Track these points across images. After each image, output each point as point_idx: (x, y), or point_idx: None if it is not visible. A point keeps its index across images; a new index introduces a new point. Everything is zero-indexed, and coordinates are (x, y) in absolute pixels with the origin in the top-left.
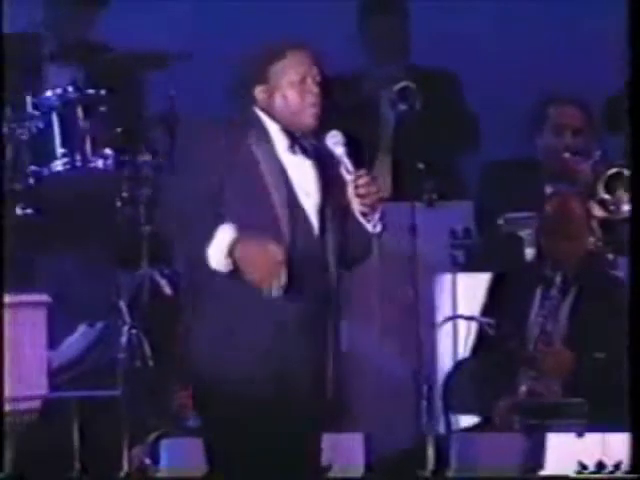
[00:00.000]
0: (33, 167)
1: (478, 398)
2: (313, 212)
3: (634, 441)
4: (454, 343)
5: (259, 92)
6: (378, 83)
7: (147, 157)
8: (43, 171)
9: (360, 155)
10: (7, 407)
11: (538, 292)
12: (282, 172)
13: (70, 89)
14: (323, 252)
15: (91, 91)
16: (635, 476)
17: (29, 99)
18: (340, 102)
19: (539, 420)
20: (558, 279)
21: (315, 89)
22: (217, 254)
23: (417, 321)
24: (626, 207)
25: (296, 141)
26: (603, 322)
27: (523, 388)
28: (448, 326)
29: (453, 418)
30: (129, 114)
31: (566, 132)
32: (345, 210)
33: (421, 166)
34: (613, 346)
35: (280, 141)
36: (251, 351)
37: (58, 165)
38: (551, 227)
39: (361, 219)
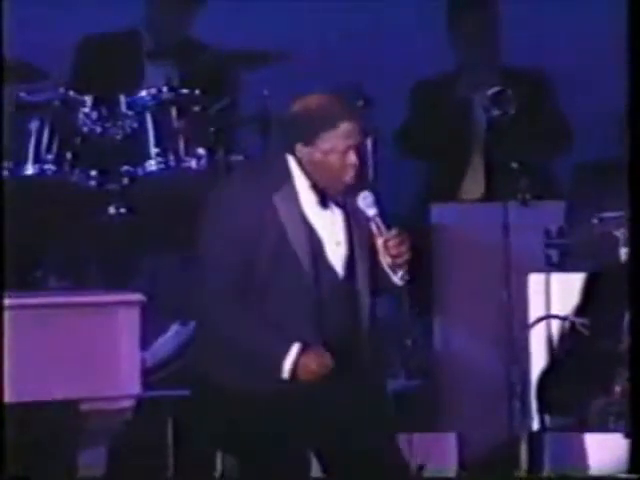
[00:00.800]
0: (127, 167)
1: (572, 398)
2: (343, 261)
3: (634, 441)
4: (548, 343)
5: (300, 149)
6: (471, 85)
7: (239, 157)
8: (137, 171)
9: None
10: (102, 406)
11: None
12: (307, 227)
13: (164, 89)
14: (352, 298)
15: (185, 91)
16: (635, 476)
17: (123, 99)
18: (432, 104)
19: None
20: None
21: (356, 161)
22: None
23: (510, 321)
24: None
25: (327, 196)
26: None
27: (618, 388)
28: (541, 326)
29: (547, 418)
30: (222, 114)
31: None
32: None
33: (515, 165)
34: None
35: (309, 195)
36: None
37: (152, 165)
38: None
39: (388, 271)
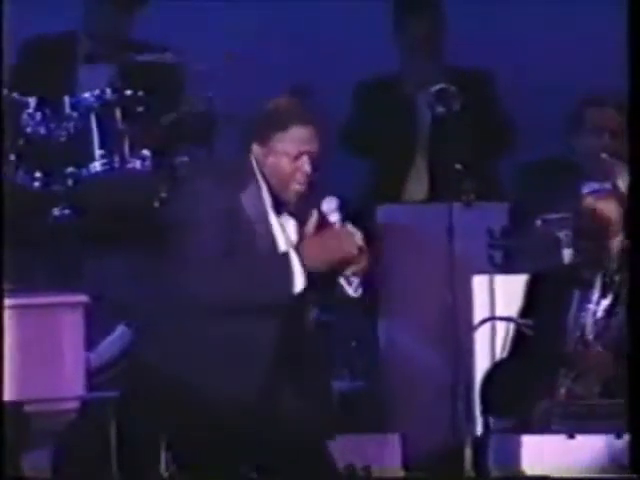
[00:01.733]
0: (71, 168)
1: (516, 399)
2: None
3: (634, 441)
4: (492, 344)
5: (256, 149)
6: (414, 84)
7: (184, 158)
8: (81, 172)
9: None
10: (47, 407)
11: (576, 293)
12: (267, 226)
13: (108, 90)
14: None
15: (129, 92)
16: (635, 476)
17: (67, 100)
18: (377, 103)
19: (578, 422)
20: (599, 280)
21: (308, 169)
22: (299, 277)
23: (454, 322)
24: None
25: (280, 202)
26: None
27: (562, 390)
28: (486, 327)
29: (491, 419)
30: (167, 115)
31: (604, 133)
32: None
33: (459, 167)
34: None
35: (267, 199)
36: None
37: (96, 166)
38: (588, 227)
39: (342, 282)
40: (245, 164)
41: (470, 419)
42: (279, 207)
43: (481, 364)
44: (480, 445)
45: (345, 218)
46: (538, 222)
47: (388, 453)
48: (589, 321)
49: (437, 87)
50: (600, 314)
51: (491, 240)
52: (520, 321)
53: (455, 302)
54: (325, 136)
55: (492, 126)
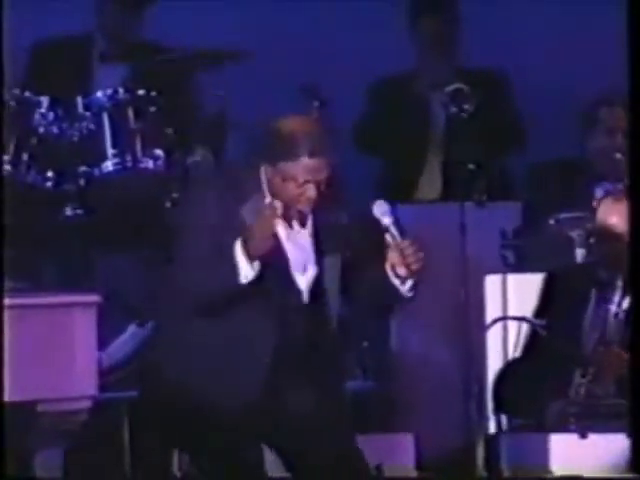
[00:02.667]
0: (84, 168)
1: (529, 399)
2: (309, 283)
3: (634, 441)
4: (504, 344)
5: (265, 171)
6: (429, 83)
7: (197, 158)
8: (94, 172)
9: None
10: (59, 407)
11: (593, 294)
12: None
13: (121, 90)
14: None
15: (142, 92)
16: (635, 476)
17: (80, 100)
18: (391, 102)
19: (594, 422)
20: (619, 282)
21: (313, 195)
22: (243, 265)
23: (467, 321)
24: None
25: (289, 216)
26: None
27: (580, 389)
28: (498, 327)
29: (503, 419)
30: (180, 115)
31: (618, 133)
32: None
33: (472, 166)
34: None
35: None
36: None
37: (109, 166)
38: (605, 227)
39: (396, 283)
40: (253, 176)
41: (482, 419)
42: (290, 222)
43: (494, 363)
44: (492, 445)
45: (395, 222)
46: (551, 222)
47: (401, 453)
48: (610, 322)
49: (452, 87)
50: (621, 315)
51: (503, 240)
52: (534, 321)
53: (467, 301)
54: (335, 160)
55: (505, 126)
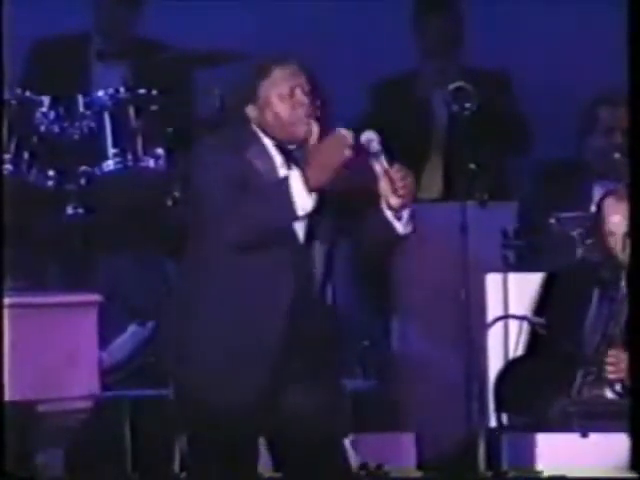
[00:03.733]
0: (84, 167)
1: (530, 398)
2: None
3: (634, 441)
4: (505, 343)
5: (251, 110)
6: (432, 83)
7: None
8: (95, 171)
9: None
10: (60, 407)
11: (595, 293)
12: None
13: (122, 89)
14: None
15: (142, 91)
16: (635, 476)
17: (81, 99)
18: (393, 101)
19: (597, 421)
20: (622, 281)
21: (305, 100)
22: (302, 196)
23: (468, 321)
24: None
25: (290, 156)
26: None
27: (583, 388)
28: (499, 326)
29: (505, 418)
30: (181, 114)
31: (616, 133)
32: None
33: (473, 166)
34: None
35: (276, 156)
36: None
37: (110, 165)
38: (607, 227)
39: (391, 218)
40: (245, 131)
41: (484, 418)
42: (289, 162)
43: (495, 362)
44: (494, 444)
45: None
46: (552, 221)
47: (403, 452)
48: (612, 321)
49: (454, 85)
50: (623, 314)
51: (504, 239)
52: (534, 319)
53: (468, 300)
54: (309, 71)
55: (507, 126)
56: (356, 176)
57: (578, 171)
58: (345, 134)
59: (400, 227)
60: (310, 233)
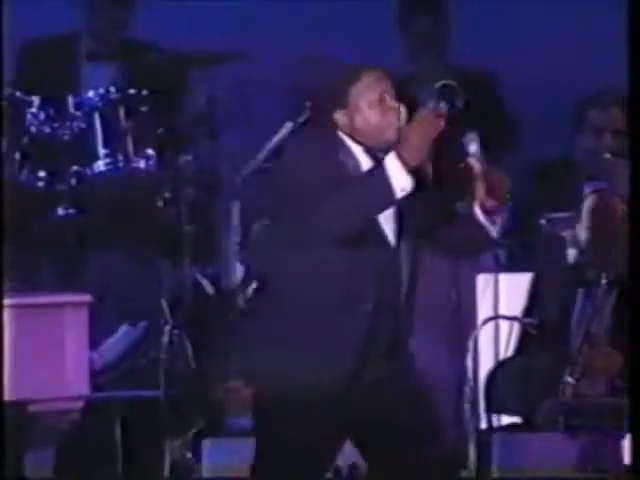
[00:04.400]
0: (75, 167)
1: (521, 398)
2: (394, 233)
3: (634, 441)
4: (496, 343)
5: (340, 116)
6: (418, 82)
7: (189, 157)
8: (86, 171)
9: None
10: (51, 407)
11: (581, 292)
12: None
13: (112, 89)
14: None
15: (133, 91)
16: (635, 476)
17: (71, 99)
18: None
19: (584, 421)
20: (604, 280)
21: (395, 105)
22: (400, 176)
23: (459, 321)
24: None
25: (379, 162)
26: None
27: (568, 388)
28: (490, 326)
29: (496, 418)
30: (171, 114)
31: (606, 133)
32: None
33: (461, 166)
34: None
35: (365, 162)
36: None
37: (100, 165)
38: (594, 227)
39: (485, 222)
40: (334, 137)
41: (475, 418)
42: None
43: (486, 363)
44: (484, 443)
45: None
46: (542, 221)
47: None
48: (596, 320)
49: (440, 83)
50: (607, 313)
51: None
52: (525, 320)
53: (460, 301)
54: (392, 77)
55: (495, 125)
56: (451, 177)
57: (569, 171)
58: (438, 107)
59: (494, 231)
60: (399, 234)
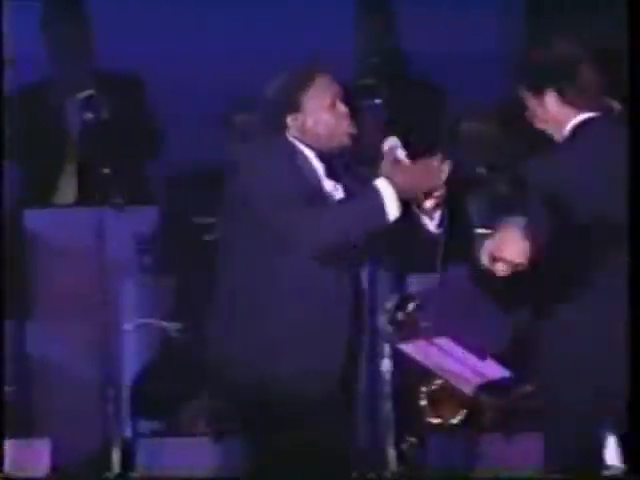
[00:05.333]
0: None
1: (165, 402)
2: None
3: (634, 441)
4: (141, 347)
5: (292, 120)
6: (64, 89)
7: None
8: None
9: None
10: None
11: None
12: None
13: None
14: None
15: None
16: (635, 476)
17: None
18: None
19: (227, 424)
20: None
21: (345, 110)
22: (392, 205)
23: (106, 326)
24: None
25: (332, 168)
26: None
27: (207, 393)
28: (135, 330)
29: (141, 422)
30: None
31: (480, 148)
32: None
33: (107, 171)
34: None
35: (318, 166)
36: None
37: None
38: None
39: (425, 219)
40: (284, 141)
41: (120, 422)
42: (331, 172)
43: (131, 367)
44: (129, 447)
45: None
46: (189, 226)
47: (36, 458)
48: None
49: (85, 94)
50: None
51: (141, 243)
52: (168, 325)
53: (106, 306)
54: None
55: (143, 130)
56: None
57: (215, 177)
58: (441, 164)
59: (433, 226)
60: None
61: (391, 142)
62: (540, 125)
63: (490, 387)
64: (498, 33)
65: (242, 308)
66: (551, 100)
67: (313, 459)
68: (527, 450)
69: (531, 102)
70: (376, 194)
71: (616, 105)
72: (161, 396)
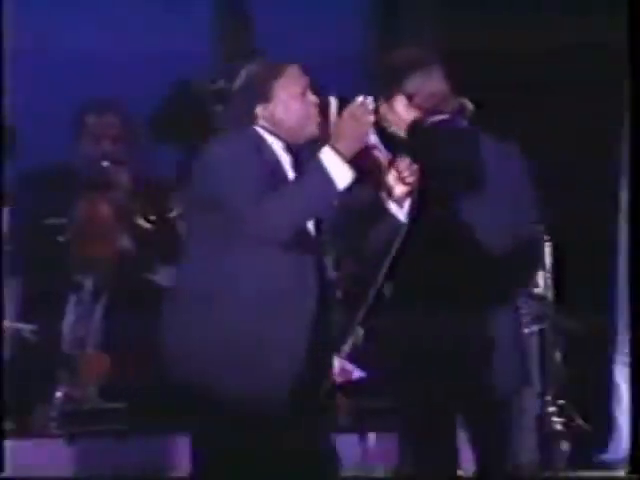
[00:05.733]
0: None
1: (15, 403)
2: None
3: (634, 441)
4: None
5: (262, 110)
6: None
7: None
8: None
9: None
10: None
11: (73, 297)
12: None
13: None
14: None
15: None
16: (635, 476)
17: None
18: None
19: (78, 426)
20: (89, 282)
21: (315, 100)
22: (339, 167)
23: None
24: None
25: (298, 160)
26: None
27: (59, 394)
28: None
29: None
30: None
31: (105, 140)
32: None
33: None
34: None
35: (286, 160)
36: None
37: None
38: (79, 231)
39: (393, 207)
40: (253, 132)
41: None
42: (297, 163)
43: None
44: None
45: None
46: (42, 226)
47: None
48: (90, 325)
49: None
50: (97, 317)
51: None
52: (22, 326)
53: None
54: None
55: None
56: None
57: (68, 177)
58: (366, 101)
59: (402, 215)
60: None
61: (332, 102)
62: (391, 129)
63: (345, 387)
64: (353, 36)
65: (199, 300)
66: (400, 104)
67: (268, 458)
68: (381, 450)
69: (382, 107)
70: (319, 165)
71: (468, 105)
72: (11, 397)
